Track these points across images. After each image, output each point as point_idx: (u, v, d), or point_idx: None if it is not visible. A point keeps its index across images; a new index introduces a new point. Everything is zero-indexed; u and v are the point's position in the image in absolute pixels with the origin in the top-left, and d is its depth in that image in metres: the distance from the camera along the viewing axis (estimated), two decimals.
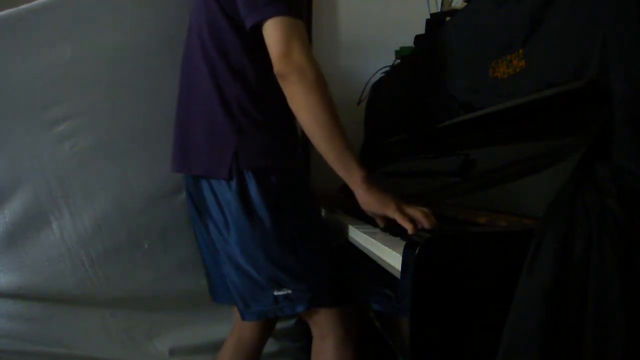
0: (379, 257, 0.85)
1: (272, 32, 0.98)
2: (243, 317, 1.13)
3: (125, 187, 1.37)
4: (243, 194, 1.05)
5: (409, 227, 0.90)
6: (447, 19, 1.28)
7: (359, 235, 0.99)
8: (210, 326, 1.51)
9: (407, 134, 1.47)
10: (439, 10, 1.49)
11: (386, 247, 0.81)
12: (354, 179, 1.00)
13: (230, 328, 1.34)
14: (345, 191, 1.08)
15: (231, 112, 1.06)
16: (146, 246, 1.40)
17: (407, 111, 1.45)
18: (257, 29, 1.00)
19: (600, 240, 0.57)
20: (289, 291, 1.06)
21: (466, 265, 0.68)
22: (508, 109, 0.92)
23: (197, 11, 1.14)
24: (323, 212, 1.28)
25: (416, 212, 0.92)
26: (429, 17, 1.41)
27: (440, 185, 1.09)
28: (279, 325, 1.46)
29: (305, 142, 1.15)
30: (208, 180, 1.10)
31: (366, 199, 0.99)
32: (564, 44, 0.77)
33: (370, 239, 0.91)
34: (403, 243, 0.72)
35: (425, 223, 0.89)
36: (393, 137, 1.58)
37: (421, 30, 1.43)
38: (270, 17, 0.97)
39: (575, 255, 0.58)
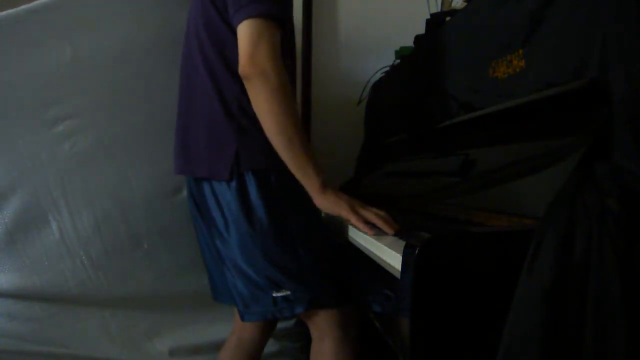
0: (379, 257, 0.85)
1: (242, 33, 0.99)
2: (242, 318, 1.13)
3: (125, 187, 1.37)
4: (243, 195, 1.05)
5: (362, 226, 0.95)
6: (447, 19, 1.28)
7: (359, 235, 0.99)
8: (210, 326, 1.51)
9: (407, 134, 1.47)
10: (439, 10, 1.49)
11: (386, 247, 0.81)
12: (310, 184, 1.02)
13: (231, 328, 1.34)
14: (344, 191, 1.08)
15: (231, 113, 1.06)
16: (146, 246, 1.40)
17: (407, 111, 1.45)
18: None
19: (600, 240, 0.57)
20: (288, 292, 1.06)
21: (466, 265, 0.68)
22: (508, 109, 0.92)
23: (194, 12, 1.15)
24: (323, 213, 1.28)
25: (370, 215, 0.96)
26: (429, 17, 1.41)
27: (440, 185, 1.09)
28: (279, 325, 1.46)
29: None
30: (209, 181, 1.10)
31: (321, 202, 1.03)
32: (564, 44, 0.77)
33: (370, 239, 0.91)
34: (403, 243, 0.72)
35: (381, 225, 0.93)
36: (393, 137, 1.58)
37: (421, 30, 1.43)
38: (244, 18, 0.98)
39: (575, 255, 0.58)
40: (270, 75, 0.97)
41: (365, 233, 0.94)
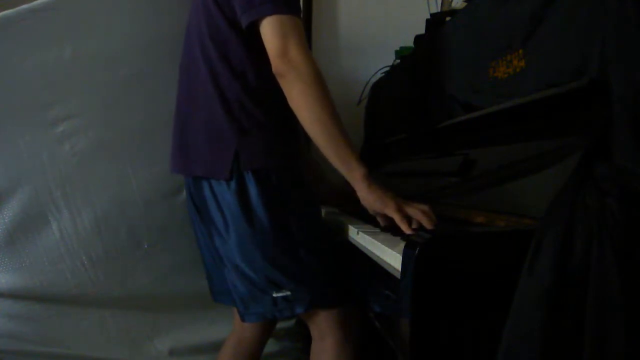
0: (379, 257, 0.85)
1: (269, 30, 0.98)
2: (243, 318, 1.13)
3: (125, 187, 1.37)
4: (242, 195, 1.05)
5: (405, 227, 0.91)
6: (447, 19, 1.28)
7: (359, 235, 0.99)
8: (210, 326, 1.51)
9: (407, 134, 1.46)
10: (439, 10, 1.49)
11: (386, 247, 0.81)
12: (354, 175, 1.00)
13: (230, 328, 1.34)
14: (350, 188, 1.07)
15: (232, 114, 1.06)
16: (146, 246, 1.40)
17: (407, 111, 1.45)
18: (254, 28, 1.00)
19: (600, 240, 0.57)
20: (288, 293, 1.06)
21: (466, 266, 0.68)
22: (508, 109, 0.92)
23: (195, 12, 1.14)
24: (323, 212, 1.28)
25: (416, 212, 0.93)
26: (429, 17, 1.41)
27: (440, 185, 1.09)
28: (279, 325, 1.46)
29: (307, 141, 1.14)
30: (208, 180, 1.10)
31: (366, 196, 1.00)
32: (564, 44, 0.77)
33: (370, 239, 0.90)
34: (403, 243, 0.72)
35: (425, 223, 0.90)
36: (393, 137, 1.58)
37: (421, 30, 1.43)
38: (266, 15, 0.97)
39: (575, 255, 0.58)
40: (304, 70, 0.97)
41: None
